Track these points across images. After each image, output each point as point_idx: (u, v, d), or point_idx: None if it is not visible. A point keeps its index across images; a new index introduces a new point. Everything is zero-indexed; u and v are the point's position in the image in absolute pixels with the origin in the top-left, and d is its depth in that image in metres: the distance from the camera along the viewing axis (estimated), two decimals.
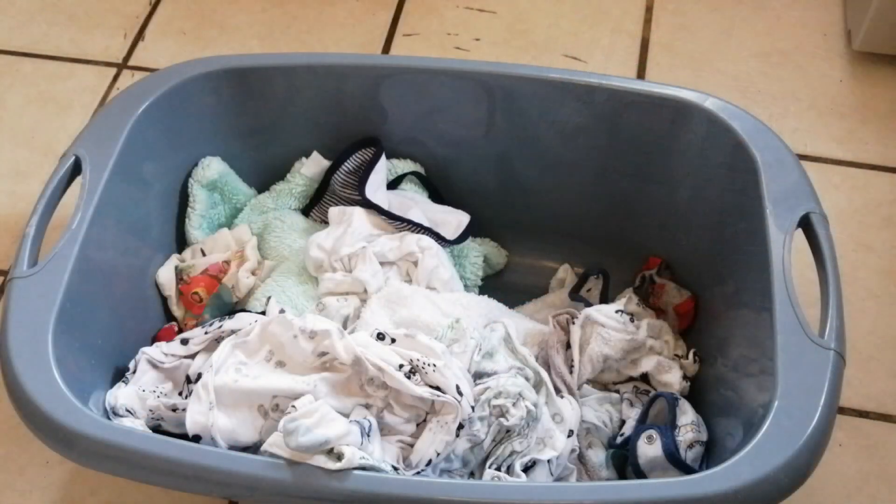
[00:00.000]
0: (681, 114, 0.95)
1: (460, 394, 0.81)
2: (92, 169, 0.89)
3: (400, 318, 0.91)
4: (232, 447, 0.81)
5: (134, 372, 0.87)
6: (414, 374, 0.81)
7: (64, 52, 1.35)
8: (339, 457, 0.73)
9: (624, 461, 0.87)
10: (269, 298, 0.93)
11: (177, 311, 0.98)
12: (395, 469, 0.78)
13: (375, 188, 1.01)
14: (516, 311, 1.01)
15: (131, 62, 1.33)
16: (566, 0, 1.39)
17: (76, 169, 0.90)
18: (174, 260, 0.99)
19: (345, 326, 0.91)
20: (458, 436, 0.81)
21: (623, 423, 0.90)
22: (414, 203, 1.03)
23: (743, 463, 0.71)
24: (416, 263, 0.96)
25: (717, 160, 0.95)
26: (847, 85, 1.29)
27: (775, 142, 0.91)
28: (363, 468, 0.73)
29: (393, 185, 1.05)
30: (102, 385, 0.85)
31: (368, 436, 0.78)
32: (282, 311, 0.89)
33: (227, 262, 0.99)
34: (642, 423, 0.88)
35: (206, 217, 1.03)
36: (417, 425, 0.82)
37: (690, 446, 0.84)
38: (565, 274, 1.06)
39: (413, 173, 1.06)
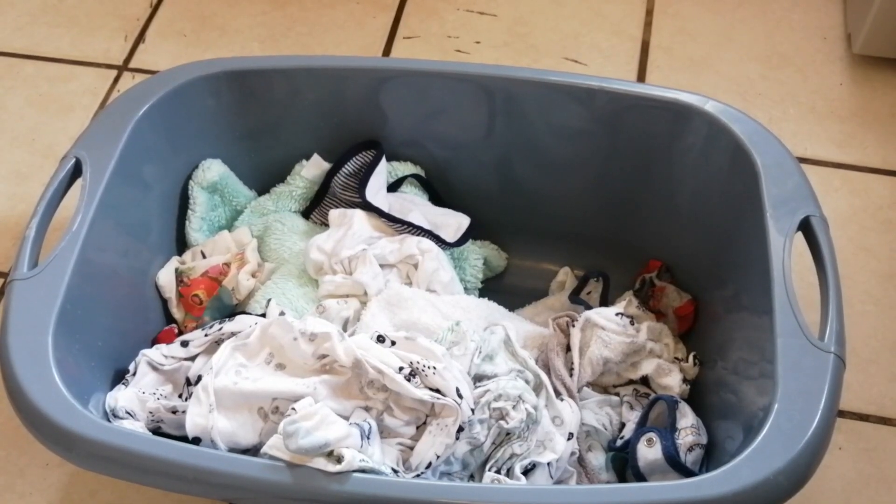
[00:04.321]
0: (681, 117, 0.95)
1: (460, 396, 0.81)
2: (92, 171, 0.89)
3: (400, 321, 0.91)
4: (232, 449, 0.81)
5: (134, 374, 0.87)
6: (414, 377, 0.81)
7: (65, 54, 1.35)
8: (339, 459, 0.73)
9: (624, 464, 0.87)
10: (269, 301, 0.93)
11: (177, 313, 0.98)
12: (395, 472, 0.78)
13: (376, 191, 1.01)
14: (516, 314, 1.01)
15: (132, 64, 1.34)
16: (567, 3, 1.39)
17: (76, 171, 0.90)
18: (174, 262, 0.99)
19: (345, 329, 0.91)
20: (457, 438, 0.81)
21: (623, 426, 0.90)
22: (414, 205, 1.03)
23: (743, 466, 0.71)
24: (416, 266, 0.97)
25: (717, 163, 0.95)
26: (847, 88, 1.29)
27: (775, 145, 0.91)
28: (363, 471, 0.73)
29: (393, 187, 1.05)
30: (102, 387, 0.85)
31: (368, 438, 0.78)
32: (282, 314, 0.89)
33: (228, 265, 0.99)
34: (642, 426, 0.88)
35: (207, 219, 1.03)
36: (417, 428, 0.82)
37: (690, 449, 0.84)
38: (565, 277, 1.07)
39: (413, 176, 1.06)
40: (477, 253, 1.05)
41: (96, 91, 1.31)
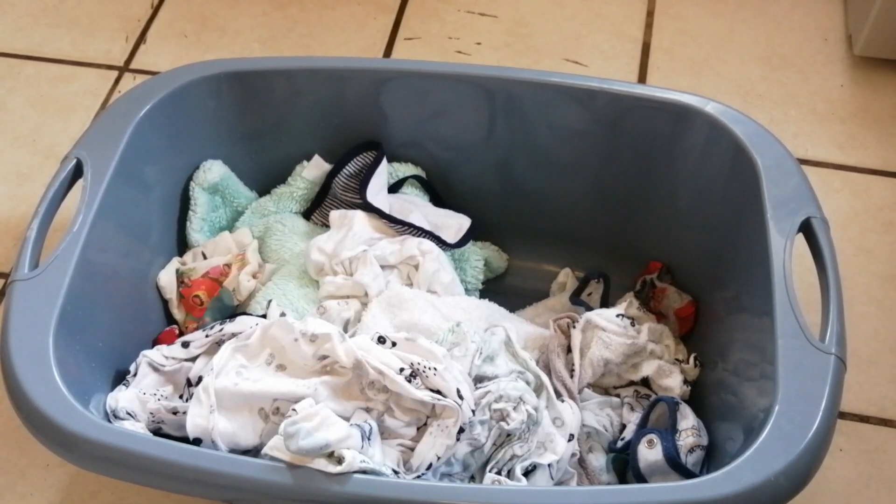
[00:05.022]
0: (682, 118, 0.95)
1: (461, 397, 0.81)
2: (93, 172, 0.89)
3: (401, 322, 0.91)
4: (232, 450, 0.81)
5: (135, 375, 0.87)
6: (414, 378, 0.81)
7: (66, 55, 1.35)
8: (340, 460, 0.73)
9: (624, 465, 0.87)
10: (269, 302, 0.93)
11: (178, 314, 0.98)
12: (396, 473, 0.78)
13: (376, 192, 1.01)
14: (517, 315, 1.00)
15: (133, 65, 1.34)
16: (567, 4, 1.39)
17: (77, 172, 0.90)
18: (175, 263, 0.99)
19: (345, 330, 0.91)
20: (458, 440, 0.81)
21: (624, 427, 0.90)
22: (415, 206, 1.03)
23: (744, 467, 0.71)
24: (416, 267, 0.97)
25: (717, 164, 0.95)
26: (848, 90, 1.29)
27: (776, 146, 0.91)
28: (364, 472, 0.73)
29: (394, 188, 1.05)
30: (103, 388, 0.85)
31: (369, 439, 0.78)
32: (282, 315, 0.89)
33: (228, 266, 0.99)
34: (643, 428, 0.88)
35: (208, 220, 1.03)
36: (418, 429, 0.82)
37: (691, 450, 0.84)
38: (566, 278, 1.06)
39: (414, 177, 1.06)
40: (478, 254, 1.05)
41: (97, 92, 1.31)
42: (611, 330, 0.92)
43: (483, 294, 1.04)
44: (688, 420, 0.86)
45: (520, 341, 0.91)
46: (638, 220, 1.04)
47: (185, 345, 0.89)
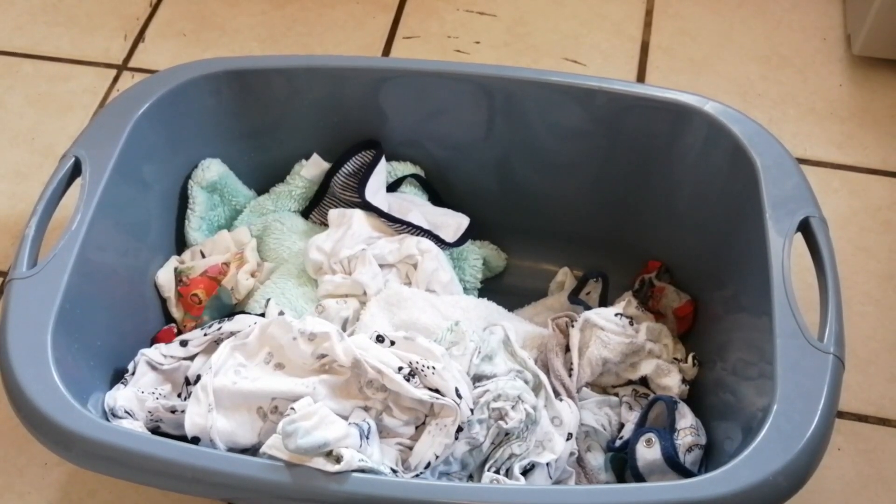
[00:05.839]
0: (680, 117, 0.95)
1: (459, 396, 0.81)
2: (92, 170, 0.89)
3: (399, 321, 0.91)
4: (231, 449, 0.81)
5: (133, 373, 0.87)
6: (413, 377, 0.81)
7: (64, 53, 1.35)
8: (338, 459, 0.73)
9: (623, 465, 0.87)
10: (268, 300, 0.93)
11: (176, 312, 0.98)
12: (394, 472, 0.78)
13: (375, 190, 1.01)
14: (515, 314, 1.00)
15: (131, 64, 1.34)
16: (566, 3, 1.39)
17: (76, 170, 0.90)
18: (173, 261, 0.99)
19: (344, 329, 0.91)
20: (456, 439, 0.81)
21: (622, 426, 0.90)
22: (413, 205, 1.03)
23: (742, 467, 0.71)
24: (415, 266, 0.97)
25: (716, 164, 0.95)
26: (847, 89, 1.29)
27: (775, 146, 0.91)
28: (362, 470, 0.73)
29: (393, 187, 1.05)
30: (101, 386, 0.85)
31: (367, 438, 0.78)
32: (281, 314, 0.89)
33: (227, 264, 0.99)
34: (641, 427, 0.88)
35: (206, 219, 1.03)
36: (416, 428, 0.82)
37: (689, 450, 0.84)
38: (564, 277, 1.07)
39: (413, 176, 1.06)
40: (476, 253, 1.05)
41: (96, 90, 1.31)
42: (609, 329, 0.92)
43: (482, 293, 1.04)
44: (686, 419, 0.86)
45: (518, 340, 0.91)
46: (636, 219, 1.04)
47: (184, 343, 0.89)
